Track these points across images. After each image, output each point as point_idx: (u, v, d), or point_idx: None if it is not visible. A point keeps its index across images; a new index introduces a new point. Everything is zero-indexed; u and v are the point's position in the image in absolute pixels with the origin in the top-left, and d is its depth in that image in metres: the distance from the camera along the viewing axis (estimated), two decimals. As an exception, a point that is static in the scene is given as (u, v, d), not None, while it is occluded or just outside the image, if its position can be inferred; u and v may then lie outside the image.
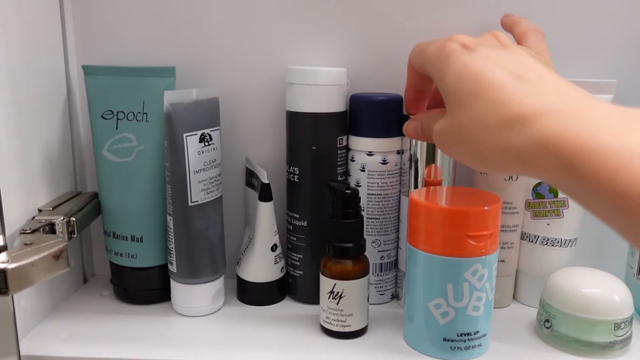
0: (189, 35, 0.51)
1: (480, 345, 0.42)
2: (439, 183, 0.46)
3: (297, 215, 0.49)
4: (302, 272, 0.50)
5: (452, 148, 0.34)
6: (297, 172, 0.48)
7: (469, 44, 0.32)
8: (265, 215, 0.48)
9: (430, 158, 0.46)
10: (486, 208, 0.40)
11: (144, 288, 0.50)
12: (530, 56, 0.32)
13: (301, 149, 0.48)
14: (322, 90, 0.46)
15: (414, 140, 0.46)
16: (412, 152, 0.47)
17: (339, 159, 0.48)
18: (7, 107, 0.41)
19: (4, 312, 0.40)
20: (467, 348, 0.41)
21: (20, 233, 0.41)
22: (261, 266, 0.49)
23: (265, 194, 0.48)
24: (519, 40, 0.39)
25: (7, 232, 0.39)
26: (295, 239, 0.49)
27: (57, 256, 0.38)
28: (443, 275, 0.40)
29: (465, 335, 0.41)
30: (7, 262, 0.35)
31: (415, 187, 0.47)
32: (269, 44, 0.51)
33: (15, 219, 0.42)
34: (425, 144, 0.46)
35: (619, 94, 0.48)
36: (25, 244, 0.38)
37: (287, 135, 0.49)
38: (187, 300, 0.48)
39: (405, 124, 0.39)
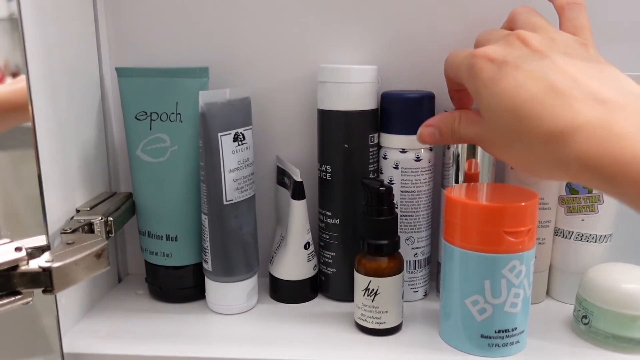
0: (219, 36, 0.52)
1: (518, 342, 0.42)
2: (477, 177, 0.46)
3: (330, 213, 0.49)
4: (335, 270, 0.50)
5: (502, 157, 0.34)
6: (330, 170, 0.48)
7: (495, 57, 0.32)
8: (298, 214, 0.48)
9: (471, 153, 0.46)
10: (523, 204, 0.40)
11: (178, 286, 0.50)
12: (561, 54, 0.31)
13: (333, 147, 0.48)
14: (354, 88, 0.46)
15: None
16: (454, 147, 0.47)
17: (370, 157, 0.48)
18: (47, 109, 0.42)
19: (47, 310, 0.41)
20: (505, 345, 0.41)
21: (61, 233, 0.42)
22: (294, 264, 0.50)
23: (299, 192, 0.48)
24: (558, 15, 0.37)
25: (49, 232, 0.40)
26: (327, 236, 0.50)
27: (98, 255, 0.39)
28: (480, 271, 0.40)
29: (503, 332, 0.41)
30: (52, 261, 0.36)
31: (457, 181, 0.47)
32: (299, 42, 0.52)
33: (55, 219, 0.43)
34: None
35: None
36: (67, 244, 0.39)
37: (318, 133, 0.49)
38: (222, 298, 0.48)
39: (419, 131, 0.40)
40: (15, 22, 0.46)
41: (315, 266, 0.51)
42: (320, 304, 0.51)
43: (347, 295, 0.49)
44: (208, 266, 0.48)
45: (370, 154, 0.48)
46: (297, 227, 0.49)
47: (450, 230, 0.42)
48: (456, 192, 0.43)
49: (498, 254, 0.40)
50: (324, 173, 0.48)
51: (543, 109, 0.29)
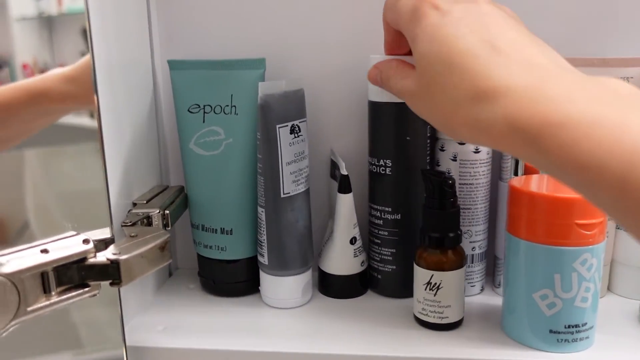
0: (268, 27, 0.51)
1: (587, 337, 0.40)
2: (538, 170, 0.45)
3: (389, 209, 0.48)
4: (394, 267, 0.49)
5: (423, 113, 0.33)
6: (390, 165, 0.46)
7: (441, 6, 0.31)
8: (345, 207, 0.48)
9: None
10: (595, 195, 0.38)
11: (233, 280, 0.50)
12: (504, 18, 0.31)
13: (394, 140, 0.46)
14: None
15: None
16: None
17: (427, 149, 0.47)
18: (107, 103, 0.42)
19: (111, 304, 0.41)
20: (574, 340, 0.40)
21: (122, 225, 0.42)
22: (340, 259, 0.49)
23: (344, 185, 0.47)
24: None
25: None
26: (386, 232, 0.48)
27: (162, 248, 0.39)
28: (549, 265, 0.39)
29: (572, 327, 0.40)
30: (119, 253, 0.36)
31: (516, 174, 0.46)
32: (349, 32, 0.51)
33: (115, 212, 0.42)
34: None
35: None
36: (131, 236, 0.39)
37: (371, 126, 0.48)
38: (277, 292, 0.48)
39: (369, 70, 0.40)
40: (44, 21, 0.46)
41: (363, 262, 0.50)
42: (372, 300, 0.50)
43: (407, 291, 0.49)
44: (264, 260, 0.47)
45: (428, 146, 0.47)
46: (343, 221, 0.48)
47: (515, 222, 0.41)
48: (521, 183, 0.42)
49: (569, 247, 0.39)
50: (381, 168, 0.47)
51: (478, 64, 0.29)
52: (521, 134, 0.26)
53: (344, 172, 0.47)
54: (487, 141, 0.29)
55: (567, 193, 0.39)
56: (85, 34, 0.45)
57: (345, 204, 0.48)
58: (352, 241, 0.49)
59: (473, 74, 0.28)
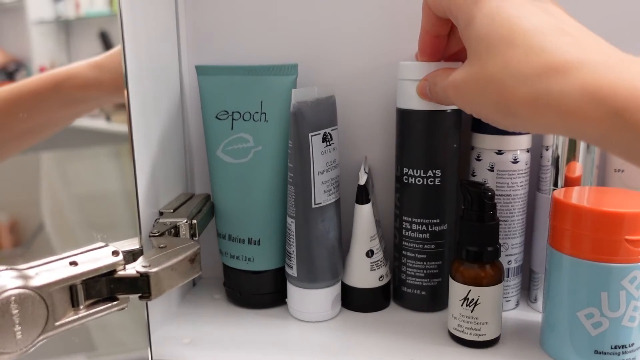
0: (296, 34, 0.50)
1: (634, 359, 0.39)
2: (579, 181, 0.43)
3: (437, 220, 0.46)
4: (440, 280, 0.47)
5: (473, 99, 0.32)
6: (439, 175, 0.44)
7: None
8: (361, 219, 0.46)
9: (572, 155, 0.43)
10: (645, 210, 0.37)
11: (259, 292, 0.49)
12: (562, 9, 0.30)
13: (443, 149, 0.44)
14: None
15: (555, 137, 0.43)
16: (553, 148, 0.44)
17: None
18: (137, 109, 0.41)
19: (139, 317, 0.40)
20: (621, 361, 0.38)
21: (150, 236, 0.41)
22: (356, 272, 0.47)
23: (362, 196, 0.46)
24: None
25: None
26: (433, 245, 0.46)
27: (192, 260, 0.37)
28: (596, 282, 0.37)
29: (619, 347, 0.38)
30: (149, 266, 0.35)
31: (556, 185, 0.44)
32: (379, 39, 0.49)
33: (143, 222, 0.41)
34: (567, 140, 0.43)
35: None
36: (160, 247, 0.38)
37: (407, 134, 0.46)
38: (306, 305, 0.46)
39: (417, 85, 0.39)
40: (62, 24, 0.45)
41: (382, 277, 0.48)
42: (399, 313, 0.48)
43: (436, 305, 0.47)
44: (292, 272, 0.46)
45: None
46: (359, 233, 0.46)
47: (558, 237, 0.39)
48: (565, 195, 0.40)
49: (617, 264, 0.37)
50: (429, 179, 0.44)
51: (545, 40, 0.27)
52: (602, 106, 0.24)
53: (361, 182, 0.45)
54: (553, 117, 0.27)
55: (615, 207, 0.37)
56: (103, 37, 0.44)
57: (363, 215, 0.46)
58: (369, 254, 0.47)
59: (539, 50, 0.27)
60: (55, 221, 0.46)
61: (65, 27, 0.46)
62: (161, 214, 0.45)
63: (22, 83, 0.42)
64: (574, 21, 0.29)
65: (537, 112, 0.28)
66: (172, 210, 0.45)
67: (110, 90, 0.42)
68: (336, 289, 0.47)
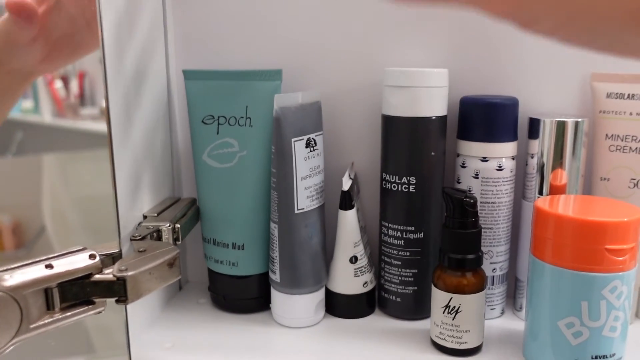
0: (284, 39, 0.50)
1: (615, 369, 0.38)
2: (565, 189, 0.43)
3: (412, 228, 0.45)
4: (416, 288, 0.46)
5: None
6: (414, 182, 0.44)
7: None
8: (345, 225, 0.46)
9: (557, 163, 0.43)
10: (626, 219, 0.36)
11: (243, 297, 0.48)
12: None
13: (419, 156, 0.44)
14: (434, 92, 0.44)
15: (541, 144, 0.43)
16: (539, 156, 0.44)
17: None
18: (119, 110, 0.41)
19: (117, 321, 0.40)
20: (601, 372, 0.38)
21: (131, 239, 0.41)
22: (340, 278, 0.47)
23: (345, 202, 0.45)
24: None
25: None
26: (408, 253, 0.46)
27: (170, 264, 0.37)
28: (577, 291, 0.37)
29: (600, 357, 0.38)
30: (126, 270, 0.35)
31: (541, 193, 0.44)
32: (365, 45, 0.49)
33: (124, 225, 0.41)
34: (553, 147, 0.43)
35: None
36: (139, 251, 0.38)
37: (389, 141, 0.46)
38: (289, 310, 0.46)
39: None
40: None
41: (366, 283, 0.47)
42: (382, 321, 0.48)
43: (419, 313, 0.47)
44: (276, 277, 0.46)
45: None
46: (343, 239, 0.46)
47: (540, 245, 0.39)
48: (547, 204, 0.40)
49: (598, 273, 0.36)
50: (404, 185, 0.45)
51: None
52: None
53: (345, 188, 0.45)
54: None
55: (597, 216, 0.37)
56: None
57: (346, 221, 0.46)
58: (352, 260, 0.47)
59: None
60: (57, 223, 0.46)
61: (99, 26, 0.46)
62: (145, 217, 0.45)
63: None
64: None
65: None
66: (156, 214, 0.45)
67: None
68: (320, 295, 0.47)
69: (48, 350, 0.36)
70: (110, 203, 0.39)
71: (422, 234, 0.45)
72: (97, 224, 0.44)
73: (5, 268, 0.32)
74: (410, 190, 0.45)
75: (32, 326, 0.32)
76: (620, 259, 0.36)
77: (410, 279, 0.46)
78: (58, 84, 0.86)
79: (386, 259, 0.47)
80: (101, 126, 0.45)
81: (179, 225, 0.44)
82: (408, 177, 0.44)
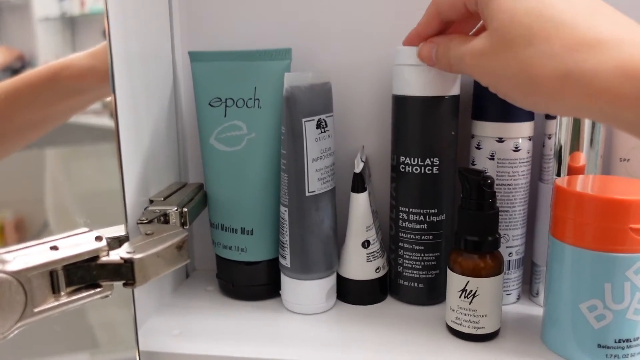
0: (292, 19, 0.49)
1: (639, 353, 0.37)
2: (583, 170, 0.42)
3: (435, 210, 0.44)
4: (438, 272, 0.45)
5: (493, 72, 0.30)
6: (437, 163, 0.43)
7: None
8: (357, 208, 0.45)
9: (575, 143, 0.42)
10: (652, 197, 0.35)
11: (252, 283, 0.47)
12: None
13: (441, 136, 0.43)
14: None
15: (558, 124, 0.42)
16: (557, 137, 0.42)
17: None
18: (125, 97, 0.40)
19: (124, 305, 0.38)
20: (625, 356, 0.37)
21: (138, 223, 0.39)
22: (352, 263, 0.46)
23: (357, 184, 0.44)
24: None
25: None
26: (431, 237, 0.44)
27: (179, 247, 0.36)
28: (599, 273, 0.36)
29: (624, 341, 0.36)
30: (133, 252, 0.33)
31: (558, 174, 0.42)
32: (376, 24, 0.48)
33: (131, 209, 0.40)
34: (571, 128, 0.41)
35: None
36: (147, 234, 0.36)
37: (403, 122, 0.45)
38: (299, 296, 0.45)
39: (420, 46, 0.37)
40: (67, 21, 0.44)
41: (378, 268, 0.46)
42: (395, 306, 0.47)
43: (434, 299, 0.46)
44: (286, 262, 0.45)
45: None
46: (355, 222, 0.45)
47: (560, 226, 0.38)
48: (567, 183, 0.38)
49: (622, 254, 0.35)
50: (427, 167, 0.43)
51: (579, 18, 0.26)
52: (637, 86, 0.23)
53: (357, 170, 0.44)
54: (583, 96, 0.26)
55: (619, 194, 0.35)
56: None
57: (358, 204, 0.45)
58: (365, 245, 0.45)
59: (573, 26, 0.26)
60: (60, 219, 0.45)
61: (71, 24, 0.45)
62: (151, 202, 0.44)
63: (19, 77, 0.41)
64: (608, 5, 0.28)
65: (565, 90, 0.26)
66: (162, 199, 0.44)
67: (106, 78, 0.41)
68: (331, 281, 0.46)
69: (52, 346, 0.35)
70: (115, 196, 0.38)
71: (443, 215, 0.44)
72: (101, 219, 0.43)
73: (7, 250, 0.30)
74: (434, 171, 0.43)
75: (36, 310, 0.31)
76: (645, 238, 0.35)
77: (433, 262, 0.45)
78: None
79: (406, 245, 0.45)
80: (104, 120, 0.44)
81: (186, 210, 0.42)
82: (432, 159, 0.43)
